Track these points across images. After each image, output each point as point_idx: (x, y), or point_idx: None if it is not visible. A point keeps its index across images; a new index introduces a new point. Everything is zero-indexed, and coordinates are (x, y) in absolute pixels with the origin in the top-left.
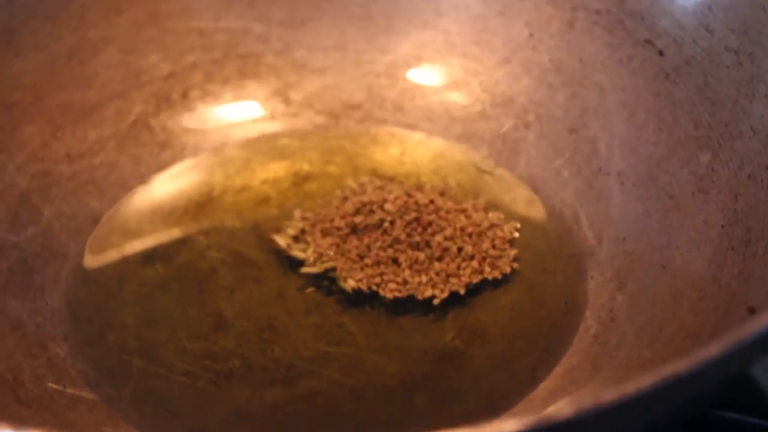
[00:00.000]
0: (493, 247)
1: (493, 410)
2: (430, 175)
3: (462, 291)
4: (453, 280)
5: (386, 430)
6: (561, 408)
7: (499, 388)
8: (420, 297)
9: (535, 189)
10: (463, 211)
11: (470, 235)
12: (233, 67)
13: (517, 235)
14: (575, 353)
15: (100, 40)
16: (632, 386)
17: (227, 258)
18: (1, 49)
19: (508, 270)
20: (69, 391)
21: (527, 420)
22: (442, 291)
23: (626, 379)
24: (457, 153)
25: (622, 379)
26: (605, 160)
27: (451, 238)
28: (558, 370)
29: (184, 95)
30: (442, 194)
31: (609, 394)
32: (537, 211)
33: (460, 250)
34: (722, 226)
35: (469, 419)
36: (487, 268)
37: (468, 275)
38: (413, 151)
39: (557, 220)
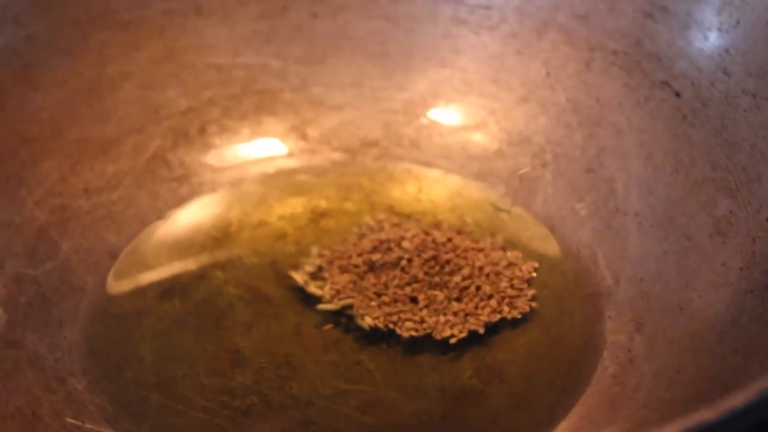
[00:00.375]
0: (512, 286)
1: None
2: (446, 213)
3: (481, 330)
4: (471, 319)
5: None
6: None
7: (516, 428)
8: (438, 337)
9: (551, 228)
10: (481, 249)
11: (488, 275)
12: (251, 103)
13: (535, 274)
14: (593, 394)
15: (118, 75)
16: None
17: (245, 294)
18: (20, 84)
19: (527, 309)
20: (88, 426)
21: None
22: (461, 331)
23: (647, 423)
24: (474, 191)
25: (642, 422)
26: (622, 200)
27: (469, 277)
28: (576, 410)
29: (202, 131)
30: (459, 232)
31: None
32: (554, 250)
33: (478, 289)
34: (740, 269)
35: None
36: (506, 308)
37: (486, 315)
38: (430, 189)
39: (574, 259)
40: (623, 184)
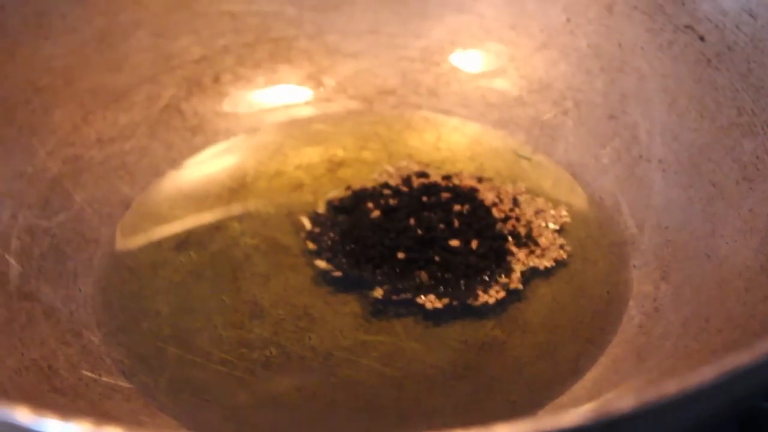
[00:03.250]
0: (541, 235)
1: (536, 401)
2: (466, 162)
3: (520, 286)
4: (504, 278)
5: (428, 420)
6: (621, 399)
7: (542, 379)
8: (475, 304)
9: (574, 176)
10: (506, 196)
11: (518, 224)
12: (265, 51)
13: (568, 219)
14: (619, 343)
15: (130, 23)
16: (695, 378)
17: (262, 245)
18: (31, 33)
19: (564, 256)
20: (104, 379)
21: (587, 413)
22: (498, 291)
23: (675, 373)
24: (493, 139)
25: (670, 372)
26: (646, 147)
27: (498, 230)
28: (602, 360)
29: (216, 79)
30: (480, 181)
31: (672, 385)
32: (577, 199)
33: (508, 239)
34: None
35: (513, 410)
36: (536, 259)
37: (519, 268)
38: (449, 137)
39: (597, 207)
40: (646, 131)
